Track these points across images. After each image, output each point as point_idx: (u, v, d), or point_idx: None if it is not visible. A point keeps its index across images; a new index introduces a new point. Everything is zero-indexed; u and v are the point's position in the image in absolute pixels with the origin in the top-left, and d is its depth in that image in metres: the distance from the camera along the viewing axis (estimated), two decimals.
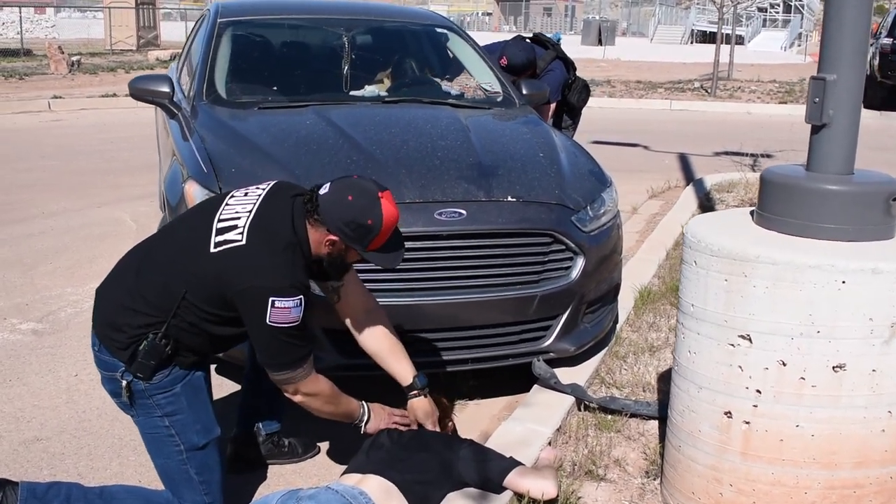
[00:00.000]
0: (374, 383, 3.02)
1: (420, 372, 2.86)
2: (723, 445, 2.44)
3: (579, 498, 2.77)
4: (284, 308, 2.37)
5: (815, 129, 2.45)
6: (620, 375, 3.73)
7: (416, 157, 3.63)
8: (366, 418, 2.75)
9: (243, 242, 2.42)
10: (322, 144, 3.71)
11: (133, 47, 24.95)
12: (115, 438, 3.30)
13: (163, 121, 4.90)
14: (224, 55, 4.60)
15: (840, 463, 2.34)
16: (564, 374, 3.54)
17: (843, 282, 2.21)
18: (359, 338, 2.84)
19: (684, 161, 9.60)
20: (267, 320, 2.37)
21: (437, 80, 5.03)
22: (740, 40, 34.15)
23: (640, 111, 15.36)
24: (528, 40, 5.79)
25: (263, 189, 2.59)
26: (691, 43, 40.30)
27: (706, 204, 7.06)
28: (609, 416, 3.31)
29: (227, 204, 2.56)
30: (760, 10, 42.73)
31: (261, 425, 3.11)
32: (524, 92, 4.81)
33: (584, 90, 5.94)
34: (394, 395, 2.89)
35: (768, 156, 8.96)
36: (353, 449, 2.83)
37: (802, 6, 42.24)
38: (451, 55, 5.31)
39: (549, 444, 3.10)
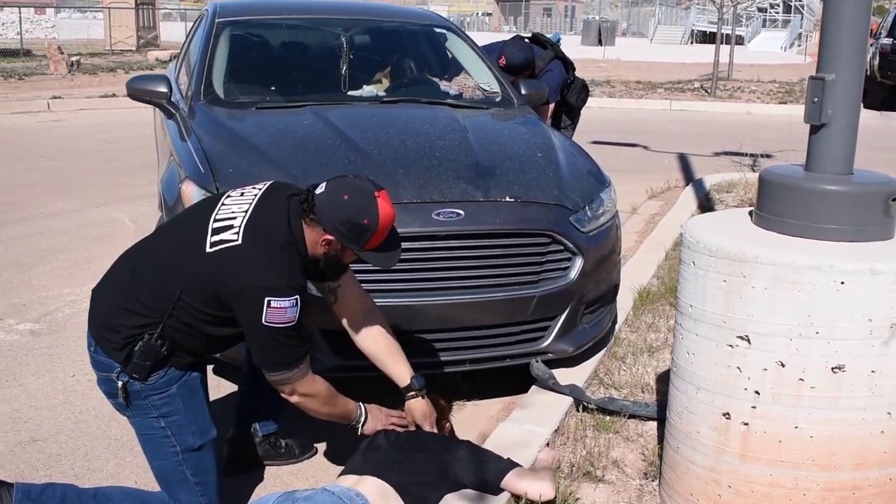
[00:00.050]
0: (371, 384, 3.01)
1: (417, 373, 2.85)
2: (721, 447, 2.43)
3: (577, 499, 2.77)
4: (280, 308, 2.36)
5: (814, 129, 2.44)
6: (619, 376, 3.72)
7: (414, 157, 3.62)
8: (363, 419, 2.74)
9: (239, 242, 2.41)
10: (320, 144, 3.70)
11: (133, 48, 24.96)
12: (112, 439, 3.30)
13: (161, 121, 4.90)
14: (222, 55, 4.59)
15: (839, 464, 2.33)
16: (563, 375, 3.53)
17: (842, 282, 2.20)
18: (356, 339, 2.83)
19: (684, 161, 9.59)
20: (263, 320, 2.37)
21: (436, 80, 5.02)
22: (740, 40, 34.15)
23: (640, 111, 15.35)
24: (526, 40, 5.78)
25: (260, 189, 2.59)
26: (691, 43, 40.28)
27: (706, 204, 7.05)
28: (607, 417, 3.30)
29: (223, 204, 2.55)
30: (760, 10, 42.71)
31: (258, 426, 3.09)
32: (523, 92, 4.80)
33: (583, 90, 5.94)
34: (391, 396, 2.88)
35: (768, 156, 8.94)
36: (350, 450, 2.81)
37: (802, 6, 42.22)
38: (449, 55, 5.31)
39: (547, 445, 3.09)
